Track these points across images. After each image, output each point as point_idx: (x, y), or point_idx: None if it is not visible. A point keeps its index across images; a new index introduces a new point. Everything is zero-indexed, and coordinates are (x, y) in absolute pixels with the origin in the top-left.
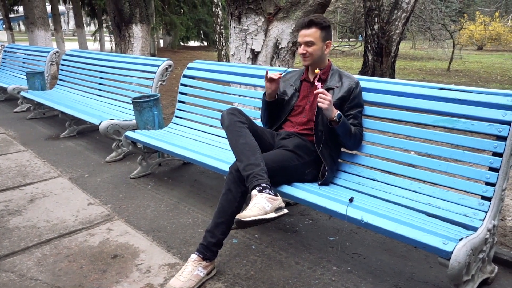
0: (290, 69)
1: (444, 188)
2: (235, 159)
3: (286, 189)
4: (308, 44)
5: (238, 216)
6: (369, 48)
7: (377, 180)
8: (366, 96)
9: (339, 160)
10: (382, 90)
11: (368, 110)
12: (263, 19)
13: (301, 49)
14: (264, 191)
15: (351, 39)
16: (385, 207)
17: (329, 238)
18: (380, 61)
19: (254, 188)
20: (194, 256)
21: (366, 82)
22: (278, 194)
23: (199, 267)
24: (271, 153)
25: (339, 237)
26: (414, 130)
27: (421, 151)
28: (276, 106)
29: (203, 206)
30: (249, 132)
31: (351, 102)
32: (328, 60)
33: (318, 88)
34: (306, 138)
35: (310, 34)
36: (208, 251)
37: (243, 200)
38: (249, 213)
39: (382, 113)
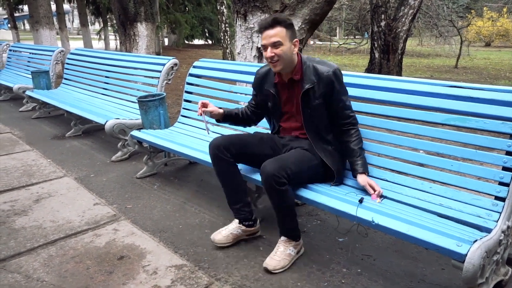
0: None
1: (456, 188)
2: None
3: (294, 190)
4: (276, 45)
5: (269, 268)
6: (376, 45)
7: (387, 180)
8: (374, 94)
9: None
10: (389, 88)
11: (376, 108)
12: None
13: (268, 53)
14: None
15: (356, 37)
16: (395, 207)
17: (338, 239)
18: (387, 58)
19: (283, 235)
20: (240, 225)
21: (373, 80)
22: (300, 236)
23: (238, 229)
24: (291, 154)
25: (348, 238)
26: (423, 129)
27: (431, 150)
28: (239, 118)
29: (210, 206)
30: (230, 170)
31: (336, 94)
32: (298, 54)
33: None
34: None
35: (276, 33)
36: (248, 220)
37: (236, 168)
38: (280, 264)
39: (389, 111)
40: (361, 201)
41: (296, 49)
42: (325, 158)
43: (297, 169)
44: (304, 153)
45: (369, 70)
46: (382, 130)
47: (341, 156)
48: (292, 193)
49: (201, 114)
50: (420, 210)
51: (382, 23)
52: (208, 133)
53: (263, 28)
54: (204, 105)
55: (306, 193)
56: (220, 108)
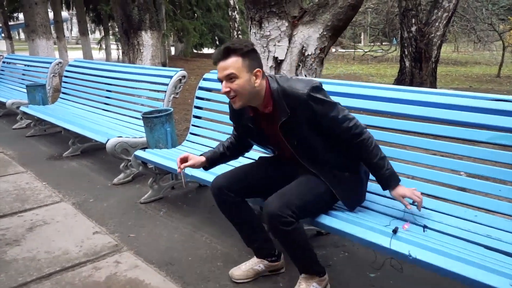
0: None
1: (505, 216)
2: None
3: (319, 217)
4: (230, 78)
5: None
6: (406, 53)
7: (423, 207)
8: (405, 109)
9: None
10: (423, 102)
11: (408, 125)
12: (286, 24)
13: (222, 88)
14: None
15: (384, 43)
16: (436, 239)
17: (369, 275)
18: (419, 67)
19: (303, 272)
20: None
21: (404, 92)
22: (325, 271)
23: (260, 264)
24: (295, 186)
25: (381, 274)
26: (464, 148)
27: (474, 172)
28: (226, 156)
29: (222, 236)
30: (238, 210)
31: (322, 115)
32: (266, 81)
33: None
34: None
35: (230, 65)
36: (271, 255)
37: (245, 205)
38: None
39: (424, 128)
40: (395, 231)
41: (258, 81)
42: (332, 185)
43: (302, 203)
44: (309, 180)
45: (399, 80)
46: (417, 149)
47: (353, 176)
48: (303, 229)
49: (180, 172)
50: (465, 242)
51: (413, 28)
52: (185, 187)
53: (216, 60)
54: (184, 160)
55: (330, 222)
56: (201, 155)
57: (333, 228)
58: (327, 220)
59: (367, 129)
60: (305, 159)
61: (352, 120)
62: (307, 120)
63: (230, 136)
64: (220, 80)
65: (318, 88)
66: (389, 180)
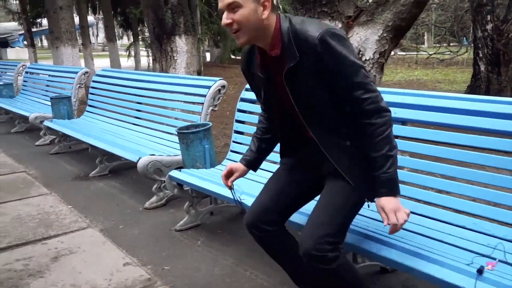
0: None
1: None
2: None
3: (379, 249)
4: (232, 7)
5: None
6: (481, 55)
7: (507, 240)
8: (480, 122)
9: None
10: (502, 113)
11: (484, 141)
12: (340, 25)
13: (224, 19)
14: None
15: (451, 44)
16: None
17: None
18: (497, 72)
19: None
20: None
21: (478, 103)
22: None
23: None
24: (326, 207)
25: None
26: None
27: None
28: (262, 148)
29: (269, 270)
30: (281, 242)
31: (333, 68)
32: (277, 18)
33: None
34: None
35: None
36: None
37: (286, 235)
38: None
39: (504, 145)
40: (480, 271)
41: (266, 12)
42: (338, 162)
43: (339, 227)
44: (339, 190)
45: (473, 88)
46: (496, 170)
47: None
48: (349, 262)
49: (231, 188)
50: None
51: (489, 26)
52: (240, 206)
53: None
54: (229, 175)
55: (399, 257)
56: (240, 161)
57: (402, 265)
58: (394, 254)
59: (389, 116)
60: (312, 123)
61: (370, 93)
62: (317, 73)
63: (258, 117)
64: (221, 11)
65: (336, 35)
66: (382, 186)
